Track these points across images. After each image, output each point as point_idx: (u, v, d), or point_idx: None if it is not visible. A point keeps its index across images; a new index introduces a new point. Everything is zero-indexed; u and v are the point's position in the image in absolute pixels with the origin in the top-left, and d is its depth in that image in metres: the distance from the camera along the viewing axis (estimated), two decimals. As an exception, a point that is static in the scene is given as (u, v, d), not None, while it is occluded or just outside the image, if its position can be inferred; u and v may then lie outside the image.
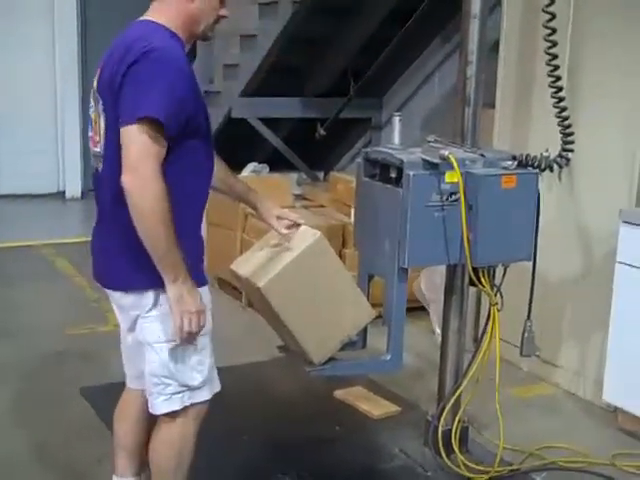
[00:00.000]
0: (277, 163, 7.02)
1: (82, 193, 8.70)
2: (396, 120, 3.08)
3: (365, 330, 3.13)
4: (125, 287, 2.41)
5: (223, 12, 2.41)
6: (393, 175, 2.96)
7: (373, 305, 2.97)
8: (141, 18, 2.39)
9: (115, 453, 2.72)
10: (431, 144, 2.99)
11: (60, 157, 8.78)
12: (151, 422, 2.64)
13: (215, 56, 6.93)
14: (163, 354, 2.37)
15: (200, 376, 2.43)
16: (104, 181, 2.37)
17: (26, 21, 8.36)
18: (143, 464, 2.69)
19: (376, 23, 6.12)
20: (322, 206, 5.83)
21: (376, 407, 3.79)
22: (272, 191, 5.57)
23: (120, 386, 2.75)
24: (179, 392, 2.41)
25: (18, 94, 8.42)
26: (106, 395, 3.76)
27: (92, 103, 2.41)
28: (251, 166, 6.58)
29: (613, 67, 3.77)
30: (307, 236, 2.70)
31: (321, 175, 7.54)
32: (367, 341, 3.16)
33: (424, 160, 2.89)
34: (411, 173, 2.84)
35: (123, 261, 2.37)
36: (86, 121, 9.19)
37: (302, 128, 7.04)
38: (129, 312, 2.46)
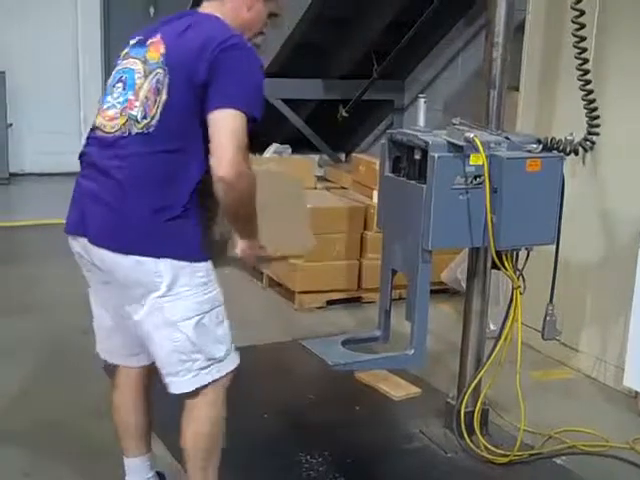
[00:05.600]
0: (299, 144, 7.01)
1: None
2: (421, 102, 3.07)
3: (388, 325, 3.13)
4: (144, 250, 2.30)
5: (265, 28, 2.64)
6: (417, 157, 2.95)
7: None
8: (205, 11, 2.49)
9: (122, 438, 2.75)
10: (456, 126, 2.98)
11: (82, 137, 8.85)
12: (149, 399, 2.73)
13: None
14: (189, 330, 2.37)
15: (224, 347, 2.44)
16: (140, 142, 2.35)
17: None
18: (149, 443, 2.77)
19: (401, 4, 6.08)
20: (344, 188, 5.83)
21: (396, 389, 3.80)
22: (294, 172, 5.57)
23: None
24: (207, 366, 2.42)
25: (42, 76, 8.49)
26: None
27: (139, 69, 2.41)
28: (273, 147, 6.58)
29: (640, 50, 3.74)
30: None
31: (343, 157, 7.53)
32: (390, 336, 3.17)
33: (449, 142, 2.88)
34: (436, 155, 2.84)
35: (147, 224, 2.31)
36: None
37: (324, 109, 7.02)
38: (135, 290, 2.35)
